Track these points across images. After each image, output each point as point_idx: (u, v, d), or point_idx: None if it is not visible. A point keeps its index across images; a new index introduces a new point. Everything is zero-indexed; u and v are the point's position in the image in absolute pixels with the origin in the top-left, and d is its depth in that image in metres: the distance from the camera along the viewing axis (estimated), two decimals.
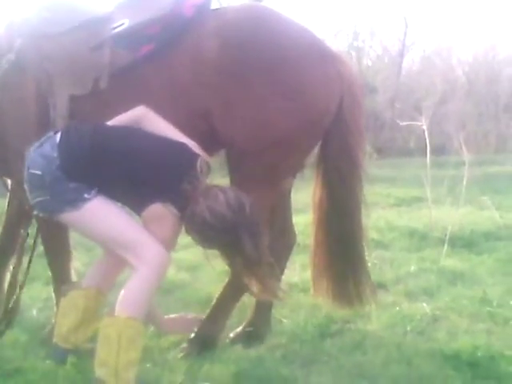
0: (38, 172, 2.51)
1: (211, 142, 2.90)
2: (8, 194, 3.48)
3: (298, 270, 4.22)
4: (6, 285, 3.51)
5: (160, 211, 2.54)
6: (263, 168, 2.87)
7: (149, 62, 2.76)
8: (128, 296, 2.52)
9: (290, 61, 2.78)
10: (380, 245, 4.96)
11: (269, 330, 3.25)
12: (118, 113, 2.68)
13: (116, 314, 2.50)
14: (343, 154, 3.01)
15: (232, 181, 2.97)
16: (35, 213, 2.71)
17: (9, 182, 3.38)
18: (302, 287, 3.90)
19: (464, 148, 5.41)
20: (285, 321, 3.44)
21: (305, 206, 6.80)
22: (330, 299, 3.33)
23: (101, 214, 2.54)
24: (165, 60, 2.77)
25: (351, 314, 3.46)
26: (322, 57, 2.89)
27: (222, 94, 2.74)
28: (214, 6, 2.99)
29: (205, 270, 4.38)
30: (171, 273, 4.19)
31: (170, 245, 2.69)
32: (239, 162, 2.89)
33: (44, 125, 2.75)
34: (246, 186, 2.89)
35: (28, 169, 2.55)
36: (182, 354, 2.99)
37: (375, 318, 3.44)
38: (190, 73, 2.73)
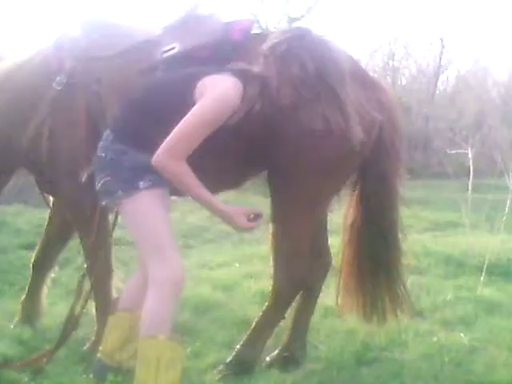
0: (102, 154, 2.57)
1: (253, 165, 2.98)
2: (49, 211, 3.55)
3: (333, 294, 4.20)
4: (43, 297, 3.59)
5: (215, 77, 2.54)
6: (304, 193, 2.90)
7: None
8: (152, 316, 2.51)
9: (332, 91, 2.77)
10: (415, 270, 4.91)
11: (305, 355, 3.24)
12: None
13: (142, 335, 2.51)
14: (381, 179, 3.06)
15: (273, 204, 3.01)
16: (101, 202, 2.68)
17: (50, 199, 3.46)
18: (336, 312, 3.87)
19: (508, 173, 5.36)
20: (320, 346, 3.42)
21: (338, 227, 6.81)
22: (358, 317, 3.35)
23: (143, 209, 2.54)
24: None
25: (387, 342, 3.45)
26: (365, 86, 2.93)
27: (265, 121, 2.77)
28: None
29: (240, 291, 4.42)
30: (207, 292, 4.24)
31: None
32: (281, 187, 2.93)
33: (94, 147, 2.80)
34: (288, 209, 2.93)
35: (96, 156, 2.61)
36: (219, 377, 3.00)
37: (412, 347, 3.41)
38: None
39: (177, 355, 2.56)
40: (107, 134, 2.60)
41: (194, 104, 2.46)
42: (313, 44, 2.65)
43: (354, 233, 3.21)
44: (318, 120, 2.79)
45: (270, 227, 3.07)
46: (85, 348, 3.20)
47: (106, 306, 3.17)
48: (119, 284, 3.34)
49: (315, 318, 3.63)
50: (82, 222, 3.10)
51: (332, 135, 2.79)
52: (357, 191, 3.16)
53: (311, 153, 2.82)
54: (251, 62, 2.76)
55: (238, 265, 5.18)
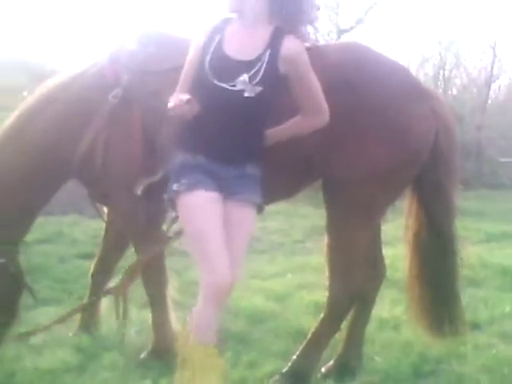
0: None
1: (308, 175, 3.01)
2: (104, 225, 3.62)
3: (388, 305, 4.18)
4: (101, 306, 3.66)
5: None
6: (360, 202, 2.91)
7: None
8: (199, 323, 2.51)
9: (390, 100, 2.86)
10: (472, 283, 4.83)
11: (361, 367, 3.22)
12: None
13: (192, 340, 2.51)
14: (437, 188, 3.05)
15: (329, 215, 3.02)
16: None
17: (104, 210, 3.53)
18: (392, 324, 3.85)
19: None
20: (376, 358, 3.39)
21: (392, 238, 6.77)
22: (423, 333, 3.29)
23: (185, 212, 2.54)
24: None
25: (445, 354, 3.40)
26: (419, 95, 2.96)
27: (325, 131, 2.79)
28: None
29: (293, 301, 4.42)
30: (260, 302, 4.26)
31: None
32: (337, 196, 2.94)
33: (150, 160, 2.86)
34: (343, 220, 2.93)
35: None
36: None
37: (470, 359, 3.35)
38: (294, 112, 2.74)
39: (216, 362, 2.54)
40: None
41: None
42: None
43: (416, 244, 3.19)
44: (374, 129, 2.83)
45: (324, 238, 3.07)
46: (142, 356, 3.25)
47: (161, 315, 3.22)
48: (174, 293, 3.38)
49: (370, 329, 3.60)
50: (136, 233, 3.16)
51: (389, 143, 2.82)
52: (414, 201, 3.13)
53: (368, 162, 2.83)
54: None
55: (290, 275, 5.17)
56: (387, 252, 5.91)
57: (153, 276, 3.24)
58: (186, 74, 2.61)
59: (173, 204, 2.58)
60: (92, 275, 3.66)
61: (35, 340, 3.41)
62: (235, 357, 3.27)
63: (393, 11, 25.59)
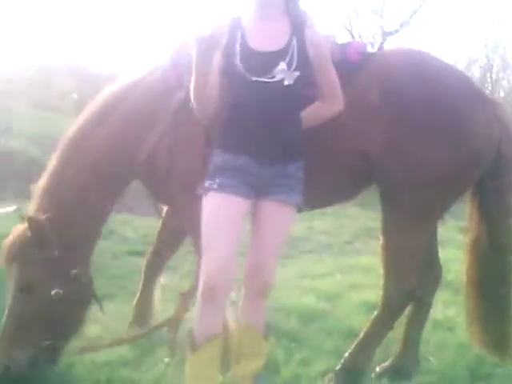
0: None
1: (365, 178, 3.01)
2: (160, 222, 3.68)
3: (441, 307, 4.13)
4: (155, 301, 3.71)
5: None
6: (418, 206, 2.89)
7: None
8: (197, 320, 2.59)
9: (450, 106, 2.85)
10: None
11: (417, 368, 3.19)
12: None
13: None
14: (498, 194, 3.01)
15: (385, 216, 3.00)
16: None
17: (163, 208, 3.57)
18: (446, 325, 3.81)
19: None
20: (431, 359, 3.36)
21: (445, 239, 6.68)
22: (478, 342, 3.24)
23: (206, 208, 2.56)
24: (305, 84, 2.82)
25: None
26: (481, 101, 2.94)
27: (383, 136, 2.82)
28: None
29: (344, 300, 4.41)
30: (311, 301, 4.27)
31: None
32: (395, 201, 2.93)
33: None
34: (401, 222, 2.91)
35: None
36: None
37: None
38: (353, 116, 2.80)
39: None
40: None
41: None
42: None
43: (475, 250, 3.15)
44: (438, 133, 2.80)
45: (379, 239, 3.05)
46: None
47: None
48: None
49: (425, 330, 3.57)
50: (196, 232, 3.17)
51: (452, 149, 2.79)
52: (475, 206, 3.10)
53: (430, 166, 2.82)
54: (363, 83, 2.86)
55: (339, 275, 5.16)
56: (440, 254, 5.87)
57: None
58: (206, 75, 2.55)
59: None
60: (144, 271, 3.71)
61: (93, 334, 3.49)
62: (288, 355, 3.29)
63: (438, 13, 25.30)
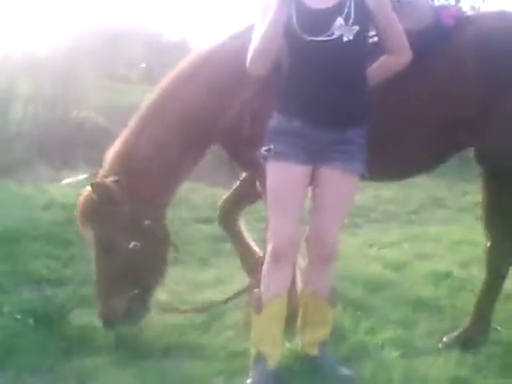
0: None
1: (456, 148, 3.03)
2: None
3: None
4: None
5: None
6: None
7: (410, 68, 2.73)
8: (264, 280, 2.66)
9: None
10: None
11: (486, 339, 3.15)
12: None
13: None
14: None
15: (486, 188, 3.04)
16: None
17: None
18: None
19: None
20: (500, 329, 3.30)
21: None
22: None
23: (269, 176, 2.59)
24: (425, 69, 2.80)
25: None
26: None
27: (480, 102, 2.77)
28: None
29: (411, 270, 4.37)
30: (378, 270, 4.25)
31: None
32: (495, 171, 2.94)
33: None
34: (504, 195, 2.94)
35: None
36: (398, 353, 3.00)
37: None
38: (450, 82, 2.78)
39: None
40: None
41: None
42: None
43: None
44: None
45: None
46: None
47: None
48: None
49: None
50: None
51: None
52: None
53: None
54: (459, 48, 2.80)
55: (407, 245, 5.10)
56: None
57: None
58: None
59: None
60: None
61: (162, 300, 3.60)
62: (354, 323, 3.29)
63: None
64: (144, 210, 3.03)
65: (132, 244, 3.00)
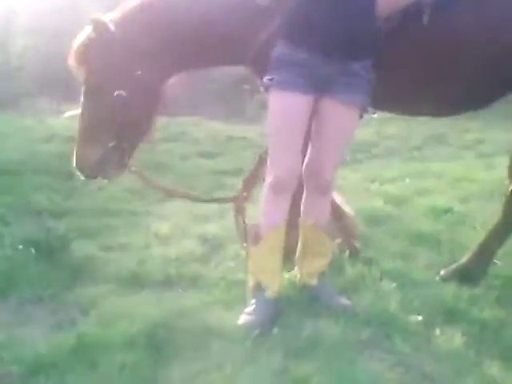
0: None
1: (496, 91, 2.93)
2: None
3: None
4: None
5: None
6: None
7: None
8: (263, 209, 2.67)
9: None
10: None
11: (485, 274, 3.17)
12: (425, 47, 2.69)
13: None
14: None
15: None
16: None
17: None
18: None
19: None
20: (498, 263, 3.32)
21: None
22: None
23: (272, 106, 2.55)
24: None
25: None
26: None
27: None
28: None
29: (412, 205, 4.38)
30: (379, 205, 4.26)
31: None
32: None
33: None
34: None
35: None
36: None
37: None
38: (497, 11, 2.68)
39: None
40: None
41: None
42: None
43: None
44: None
45: None
46: None
47: None
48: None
49: None
50: None
51: None
52: None
53: None
54: None
55: (408, 180, 5.10)
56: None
57: None
58: None
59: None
60: None
61: (162, 230, 3.62)
62: (353, 254, 3.32)
63: None
64: (138, 60, 2.88)
65: (117, 92, 2.86)
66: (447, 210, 4.16)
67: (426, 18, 2.63)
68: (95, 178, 3.02)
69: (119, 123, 2.90)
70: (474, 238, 3.55)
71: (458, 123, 8.02)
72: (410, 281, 3.08)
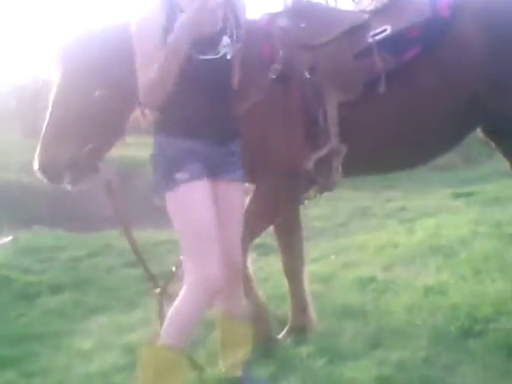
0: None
1: (471, 125, 3.09)
2: None
3: (433, 271, 4.14)
4: None
5: None
6: None
7: (416, 63, 2.85)
8: (172, 321, 2.48)
9: None
10: None
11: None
12: (386, 114, 2.85)
13: (161, 338, 2.46)
14: None
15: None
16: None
17: None
18: (438, 289, 3.79)
19: None
20: (419, 323, 3.34)
21: (433, 209, 6.67)
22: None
23: (184, 205, 2.48)
24: (432, 59, 2.88)
25: (493, 312, 3.33)
26: None
27: (489, 75, 2.84)
28: None
29: (338, 281, 4.41)
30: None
31: None
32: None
33: (310, 134, 2.88)
34: None
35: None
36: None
37: None
38: (457, 63, 2.86)
39: (177, 363, 2.47)
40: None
41: None
42: None
43: None
44: None
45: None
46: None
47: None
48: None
49: (416, 297, 3.61)
50: (273, 211, 3.09)
51: None
52: None
53: None
54: (461, 29, 2.88)
55: (333, 257, 5.16)
56: (430, 221, 5.89)
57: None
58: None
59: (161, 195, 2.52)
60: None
61: (86, 347, 3.51)
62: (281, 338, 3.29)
63: None
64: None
65: (98, 92, 2.74)
66: (371, 280, 4.20)
67: (382, 87, 2.82)
68: (60, 182, 2.78)
69: (96, 123, 2.75)
70: (397, 303, 3.61)
71: (380, 195, 8.29)
72: (338, 355, 3.06)
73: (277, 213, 3.09)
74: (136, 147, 5.22)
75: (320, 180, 2.89)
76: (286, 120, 2.88)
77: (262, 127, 2.87)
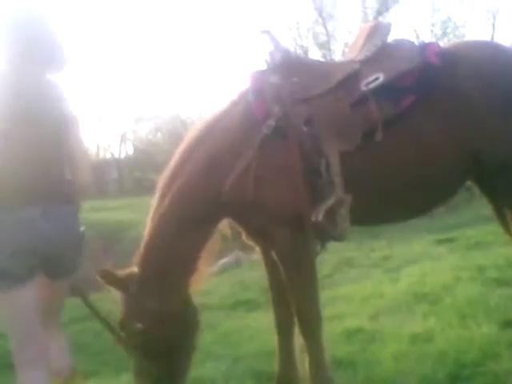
0: None
1: (469, 176, 3.10)
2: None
3: (420, 319, 4.16)
4: None
5: None
6: None
7: (414, 111, 2.89)
8: None
9: None
10: (503, 283, 4.79)
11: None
12: (387, 162, 2.87)
13: None
14: None
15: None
16: None
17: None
18: (424, 337, 3.82)
19: None
20: (408, 371, 3.35)
21: (418, 256, 6.70)
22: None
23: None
24: (430, 106, 2.92)
25: (481, 357, 3.36)
26: None
27: (487, 128, 2.89)
28: None
29: (325, 332, 4.38)
30: None
31: None
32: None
33: (312, 186, 2.88)
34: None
35: None
36: None
37: (505, 357, 3.30)
38: (456, 114, 2.89)
39: None
40: None
41: None
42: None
43: None
44: None
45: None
46: None
47: (319, 355, 3.26)
48: None
49: (403, 344, 3.62)
50: (293, 266, 3.06)
51: None
52: None
53: None
54: (455, 81, 2.93)
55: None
56: (414, 269, 5.93)
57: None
58: None
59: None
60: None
61: None
62: None
63: None
64: (151, 293, 2.99)
65: (137, 325, 2.94)
66: (358, 330, 4.21)
67: (379, 136, 2.85)
68: None
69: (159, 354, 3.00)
70: (385, 352, 3.63)
71: (364, 245, 8.35)
72: None
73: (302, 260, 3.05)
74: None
75: (330, 230, 2.86)
76: (287, 174, 2.88)
77: (265, 182, 2.88)
